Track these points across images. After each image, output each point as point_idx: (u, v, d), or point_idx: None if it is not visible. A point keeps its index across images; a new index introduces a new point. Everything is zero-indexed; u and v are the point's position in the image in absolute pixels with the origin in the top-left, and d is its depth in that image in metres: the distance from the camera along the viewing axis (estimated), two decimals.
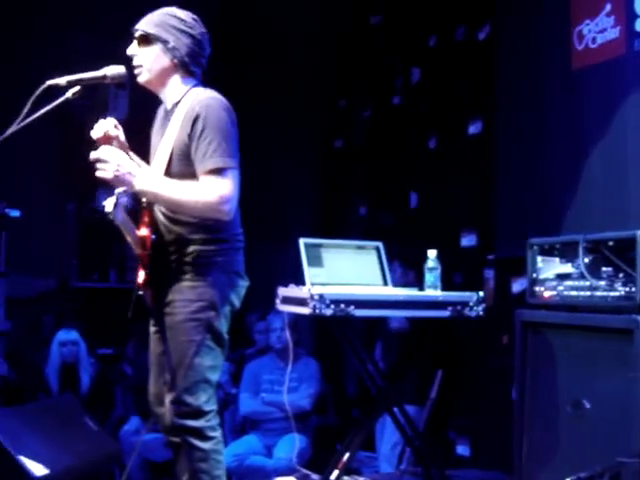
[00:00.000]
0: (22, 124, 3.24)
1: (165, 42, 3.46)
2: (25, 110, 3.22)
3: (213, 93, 3.47)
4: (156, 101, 3.64)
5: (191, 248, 3.42)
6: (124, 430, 6.28)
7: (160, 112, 3.65)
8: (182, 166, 3.40)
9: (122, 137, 3.54)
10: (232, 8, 8.18)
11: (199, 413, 3.39)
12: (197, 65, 3.54)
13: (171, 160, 3.43)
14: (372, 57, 7.58)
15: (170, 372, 3.41)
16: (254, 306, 6.69)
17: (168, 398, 3.42)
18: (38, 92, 3.25)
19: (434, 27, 6.79)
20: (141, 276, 3.41)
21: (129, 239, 3.44)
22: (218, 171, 3.32)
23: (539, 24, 5.65)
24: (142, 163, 3.59)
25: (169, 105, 3.54)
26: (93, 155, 3.32)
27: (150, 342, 3.63)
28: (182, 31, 3.48)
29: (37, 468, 4.43)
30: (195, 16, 3.55)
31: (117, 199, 3.25)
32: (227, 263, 3.47)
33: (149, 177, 3.37)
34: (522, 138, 5.77)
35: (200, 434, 3.40)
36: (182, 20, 3.49)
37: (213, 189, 3.31)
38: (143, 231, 3.43)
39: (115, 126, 3.50)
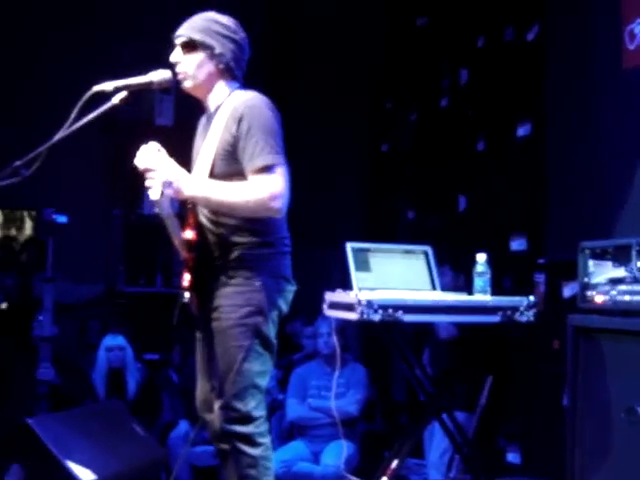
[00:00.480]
0: (69, 130, 3.24)
1: (211, 48, 3.45)
2: (72, 116, 3.22)
3: (256, 93, 3.46)
4: (202, 107, 3.62)
5: (237, 252, 3.40)
6: (172, 435, 6.27)
7: (202, 119, 3.64)
8: (226, 166, 3.39)
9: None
10: (278, 12, 8.19)
11: (248, 419, 3.37)
12: (240, 69, 3.54)
13: (215, 161, 3.42)
14: (418, 59, 7.53)
15: (219, 378, 3.40)
16: (300, 311, 6.66)
17: (217, 404, 3.40)
18: (85, 98, 3.24)
19: (482, 28, 6.73)
20: (186, 279, 3.40)
21: (175, 240, 3.43)
22: (267, 168, 3.31)
23: (589, 23, 5.57)
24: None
25: (212, 109, 3.53)
26: (141, 164, 3.31)
27: (196, 348, 3.61)
28: (226, 36, 3.47)
29: (85, 474, 4.44)
30: (236, 21, 3.54)
31: (163, 188, 3.24)
32: (274, 267, 3.44)
33: (198, 182, 3.35)
34: (573, 139, 5.69)
35: (249, 440, 3.37)
36: (225, 26, 3.49)
37: (264, 187, 3.29)
38: (188, 234, 3.42)
39: (158, 150, 3.44)
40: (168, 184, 3.26)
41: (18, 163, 3.20)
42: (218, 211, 3.41)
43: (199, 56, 3.46)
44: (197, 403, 3.61)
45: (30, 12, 8.39)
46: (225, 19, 3.52)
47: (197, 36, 3.45)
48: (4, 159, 3.29)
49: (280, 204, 3.31)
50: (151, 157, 3.32)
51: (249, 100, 3.41)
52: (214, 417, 3.44)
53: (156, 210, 3.35)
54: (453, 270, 5.68)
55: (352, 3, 7.93)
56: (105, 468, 4.58)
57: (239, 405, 3.36)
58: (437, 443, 5.69)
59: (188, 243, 3.40)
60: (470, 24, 6.84)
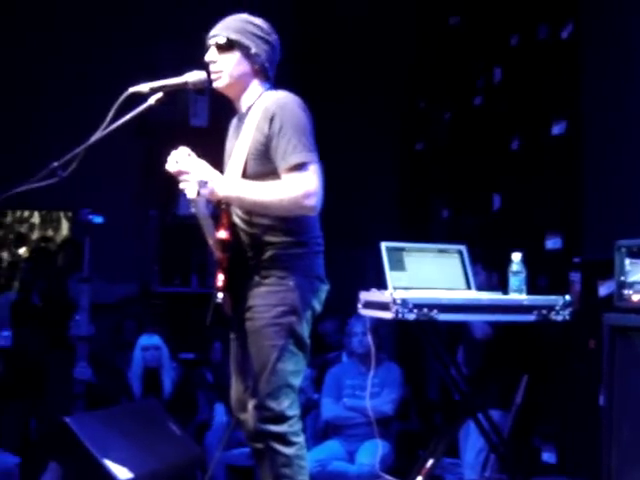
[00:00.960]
0: (106, 131, 3.27)
1: (247, 48, 3.46)
2: (109, 117, 3.25)
3: (287, 93, 3.47)
4: (236, 109, 3.63)
5: (270, 252, 3.41)
6: (208, 434, 6.30)
7: (233, 120, 3.65)
8: (258, 166, 3.40)
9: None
10: (309, 12, 8.20)
11: (282, 418, 3.37)
12: (272, 71, 3.55)
13: (247, 161, 3.43)
14: (452, 58, 7.51)
15: (253, 377, 3.40)
16: (332, 311, 6.67)
17: (251, 403, 3.41)
18: (121, 99, 3.27)
19: (516, 26, 6.69)
20: (220, 279, 3.41)
21: (210, 240, 3.44)
22: (301, 166, 3.31)
23: (625, 20, 5.53)
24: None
25: (244, 109, 3.54)
26: (174, 167, 3.33)
27: (231, 348, 3.63)
28: (260, 37, 3.49)
29: (121, 472, 4.47)
30: (267, 23, 3.55)
31: (200, 187, 3.26)
32: (308, 267, 3.44)
33: (231, 182, 3.37)
34: (609, 137, 5.65)
35: (283, 439, 3.37)
36: (259, 27, 3.51)
37: (297, 185, 3.29)
38: (222, 234, 3.42)
39: (188, 154, 3.46)
40: (204, 183, 3.28)
41: (55, 164, 3.23)
42: (252, 211, 3.42)
43: (235, 56, 3.48)
44: (232, 403, 3.62)
45: (67, 12, 8.47)
46: (259, 21, 3.54)
47: (233, 36, 3.47)
48: (42, 161, 3.32)
49: (314, 202, 3.31)
50: (183, 160, 3.34)
51: (280, 99, 3.42)
52: (248, 417, 3.45)
53: (192, 210, 3.37)
54: (486, 269, 5.66)
55: (384, 3, 7.93)
56: (141, 466, 4.62)
57: (273, 404, 3.36)
58: (473, 442, 5.67)
59: (222, 243, 3.40)
60: (503, 22, 6.81)
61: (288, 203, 3.30)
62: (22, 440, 6.55)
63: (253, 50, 3.47)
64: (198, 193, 3.27)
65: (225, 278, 3.40)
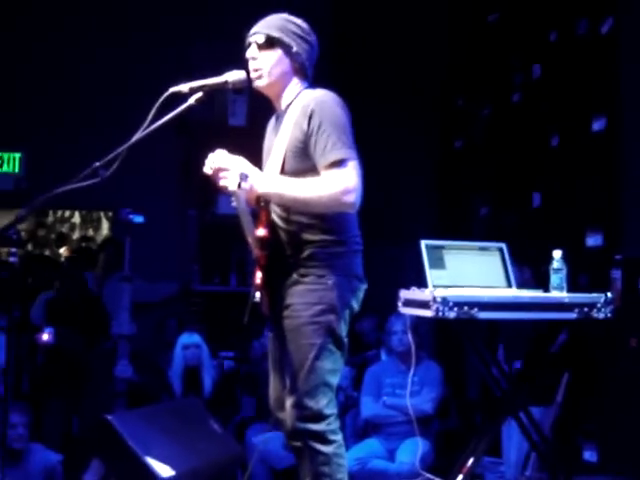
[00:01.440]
0: (146, 131, 3.29)
1: (289, 47, 3.48)
2: (149, 117, 3.27)
3: (325, 90, 3.48)
4: (274, 108, 3.64)
5: (309, 250, 3.41)
6: (249, 433, 6.31)
7: (271, 120, 3.66)
8: (297, 163, 3.41)
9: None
10: (348, 12, 8.20)
11: (320, 417, 3.37)
12: (310, 70, 3.57)
13: (286, 159, 3.44)
14: (490, 54, 7.48)
15: (291, 375, 3.41)
16: (370, 309, 6.66)
17: (289, 402, 3.41)
18: (161, 99, 3.29)
19: (554, 22, 6.65)
20: (258, 277, 3.42)
21: (248, 237, 3.45)
22: (340, 163, 3.31)
23: None
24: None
25: (282, 108, 3.55)
26: (213, 165, 3.35)
27: (268, 347, 3.64)
28: (301, 37, 3.50)
29: (163, 469, 4.50)
30: (306, 23, 3.57)
31: (241, 180, 3.26)
32: (346, 265, 3.44)
33: (271, 179, 3.38)
34: None
35: (322, 438, 3.38)
36: (300, 27, 3.52)
37: (337, 181, 3.29)
38: (260, 231, 3.42)
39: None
40: (245, 176, 3.29)
41: (97, 164, 3.26)
42: (291, 208, 3.42)
43: (276, 53, 3.49)
44: (270, 402, 3.63)
45: (109, 13, 8.56)
46: (299, 21, 3.55)
47: (275, 34, 3.48)
48: (86, 161, 3.35)
49: (353, 198, 3.30)
50: (221, 158, 3.35)
51: (319, 96, 3.43)
52: (286, 416, 3.46)
53: (234, 204, 3.36)
54: (517, 264, 5.61)
55: (421, 1, 7.92)
56: (183, 464, 4.64)
57: (311, 403, 3.36)
58: (517, 442, 5.64)
59: (260, 241, 3.41)
60: (542, 18, 6.77)
61: (327, 200, 3.31)
62: (64, 437, 6.62)
63: (294, 49, 3.48)
64: (239, 185, 3.28)
65: (263, 276, 3.41)
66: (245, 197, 3.37)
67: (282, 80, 3.52)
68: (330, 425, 3.39)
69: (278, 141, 3.48)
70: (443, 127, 8.16)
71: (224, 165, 3.34)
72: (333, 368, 3.42)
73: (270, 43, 3.48)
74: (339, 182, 3.29)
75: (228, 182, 3.30)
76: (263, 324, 3.62)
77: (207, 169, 3.39)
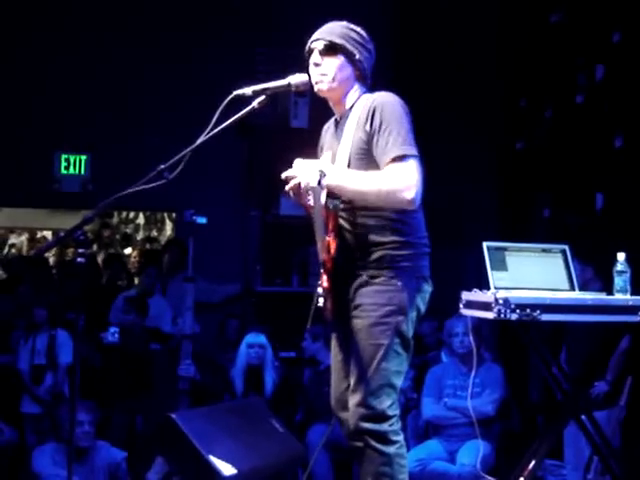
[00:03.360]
0: (210, 134, 3.34)
1: (351, 54, 3.51)
2: (213, 120, 3.32)
3: (385, 92, 3.51)
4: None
5: (378, 252, 3.43)
6: (310, 432, 6.33)
7: (329, 126, 3.69)
8: (361, 166, 3.42)
9: None
10: (410, 16, 8.21)
11: (383, 417, 3.38)
12: (370, 77, 3.60)
13: (350, 161, 3.46)
14: (553, 55, 7.42)
15: (356, 375, 3.42)
16: (430, 310, 6.65)
17: (352, 401, 3.43)
18: (225, 102, 3.34)
19: (618, 23, 6.58)
20: (324, 281, 3.45)
21: (318, 238, 3.47)
22: (400, 158, 3.33)
23: None
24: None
25: (341, 113, 3.58)
26: (293, 172, 3.39)
27: (332, 348, 3.66)
28: (362, 45, 3.54)
29: (226, 468, 4.54)
30: (365, 31, 3.60)
31: (320, 178, 3.30)
32: (415, 268, 3.46)
33: (333, 170, 3.41)
34: None
35: (383, 438, 3.38)
36: (360, 34, 3.56)
37: (398, 176, 3.31)
38: (328, 237, 3.46)
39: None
40: (323, 174, 3.32)
41: (162, 166, 3.32)
42: (357, 212, 3.44)
43: (339, 60, 3.52)
44: (332, 402, 3.65)
45: (174, 16, 8.67)
46: (359, 29, 3.59)
47: (338, 40, 3.51)
48: (150, 163, 3.41)
49: (413, 194, 3.30)
50: (300, 164, 3.39)
51: (380, 97, 3.46)
52: (348, 416, 3.47)
53: (309, 201, 3.39)
54: (580, 262, 5.55)
55: (482, 2, 7.90)
56: (245, 463, 4.68)
57: (374, 403, 3.37)
58: (578, 444, 5.58)
59: (328, 246, 3.45)
60: (606, 19, 6.70)
61: (387, 194, 3.32)
62: (129, 435, 6.72)
63: (357, 56, 3.51)
64: (319, 182, 3.31)
65: (328, 280, 3.45)
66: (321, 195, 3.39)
67: (344, 86, 3.54)
68: (392, 426, 3.40)
69: (342, 145, 3.51)
70: (506, 128, 8.12)
71: (300, 167, 3.38)
72: (398, 370, 3.43)
73: (333, 49, 3.51)
74: (399, 177, 3.31)
75: (309, 178, 3.33)
76: (325, 325, 3.65)
77: (286, 174, 3.42)
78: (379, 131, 3.38)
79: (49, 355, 6.77)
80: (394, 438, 3.40)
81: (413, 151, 3.36)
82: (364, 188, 3.35)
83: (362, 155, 3.44)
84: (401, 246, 3.43)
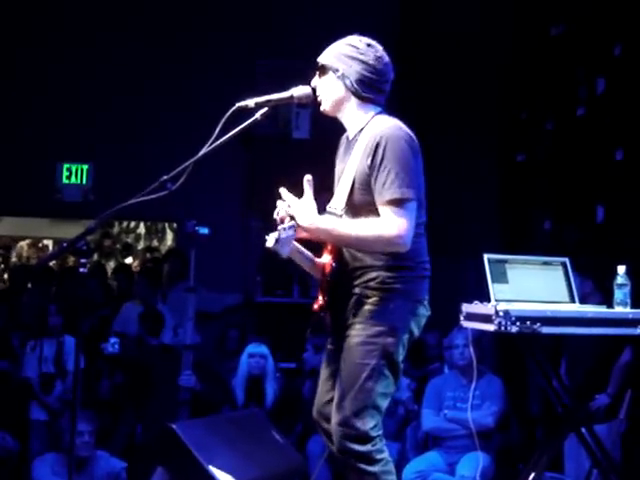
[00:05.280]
0: (213, 146, 3.36)
1: (335, 70, 3.47)
2: (216, 132, 3.33)
3: (396, 122, 3.44)
4: (337, 121, 3.66)
5: (374, 274, 3.40)
6: (310, 443, 6.33)
7: (343, 139, 3.65)
8: (364, 196, 3.40)
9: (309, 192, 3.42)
10: (411, 27, 8.23)
11: (365, 438, 3.34)
12: (373, 91, 3.49)
13: (353, 189, 3.43)
14: (553, 68, 7.45)
15: (340, 392, 3.40)
16: (433, 323, 6.65)
17: (335, 418, 3.40)
18: (228, 114, 3.35)
19: (619, 35, 6.60)
20: (320, 300, 3.46)
21: (305, 267, 3.49)
22: (395, 202, 3.29)
23: None
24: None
25: (352, 133, 3.54)
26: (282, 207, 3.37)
27: (324, 358, 3.65)
28: (353, 58, 3.46)
29: (226, 478, 4.54)
30: (371, 42, 3.52)
31: (279, 236, 3.25)
32: (411, 290, 3.43)
33: (318, 219, 3.34)
34: None
35: (367, 458, 3.35)
36: (354, 47, 3.48)
37: (390, 223, 3.29)
38: (325, 258, 3.48)
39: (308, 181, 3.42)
40: (285, 230, 3.26)
41: (165, 177, 3.33)
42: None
43: (329, 78, 3.49)
44: (314, 412, 3.62)
45: (173, 29, 8.71)
46: (357, 40, 3.50)
47: (327, 60, 3.50)
48: (151, 173, 3.43)
49: (404, 240, 3.28)
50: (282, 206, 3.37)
51: (386, 130, 3.39)
52: (329, 427, 3.46)
53: (275, 251, 3.31)
54: (580, 275, 5.56)
55: (482, 15, 7.92)
56: (245, 473, 4.67)
57: (358, 424, 3.33)
58: (578, 457, 5.58)
59: (323, 267, 3.46)
60: (607, 32, 6.73)
61: (376, 240, 3.29)
62: (128, 445, 6.71)
63: (340, 72, 3.45)
64: (276, 241, 3.24)
65: (323, 300, 3.45)
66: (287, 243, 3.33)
67: (338, 104, 3.51)
68: (376, 445, 3.36)
69: (347, 170, 3.48)
70: (506, 141, 8.13)
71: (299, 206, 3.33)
72: (384, 392, 3.40)
73: (323, 69, 3.50)
74: (392, 225, 3.28)
75: (268, 239, 3.27)
76: (325, 335, 3.66)
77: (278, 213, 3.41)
78: (379, 168, 3.33)
79: (58, 362, 6.77)
80: (378, 457, 3.36)
81: (409, 194, 3.30)
82: (356, 234, 3.30)
83: (364, 185, 3.39)
84: (395, 269, 3.39)
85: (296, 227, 3.29)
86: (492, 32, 7.99)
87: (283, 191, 3.38)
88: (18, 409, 6.79)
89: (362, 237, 3.32)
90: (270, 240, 3.26)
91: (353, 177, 3.42)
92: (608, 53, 6.69)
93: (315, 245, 3.52)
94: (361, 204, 3.40)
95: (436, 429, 6.17)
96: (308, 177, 3.39)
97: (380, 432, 3.39)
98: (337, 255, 3.46)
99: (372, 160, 3.35)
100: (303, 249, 3.55)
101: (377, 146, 3.34)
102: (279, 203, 3.40)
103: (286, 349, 7.50)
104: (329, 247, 3.48)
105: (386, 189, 3.31)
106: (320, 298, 3.46)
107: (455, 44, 7.98)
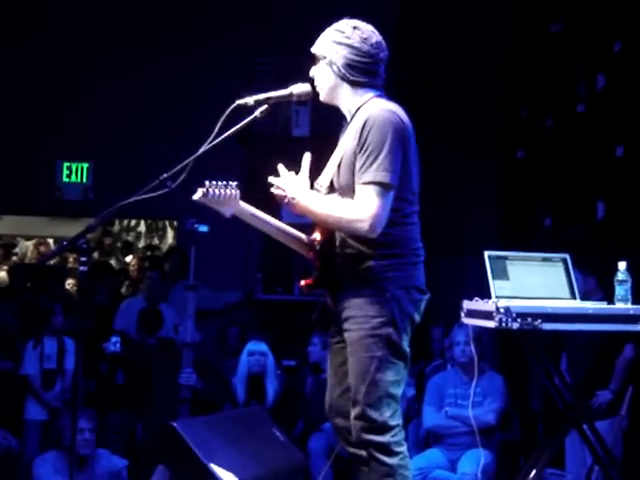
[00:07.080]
0: (213, 143, 3.36)
1: (324, 58, 3.48)
2: (216, 130, 3.33)
3: (388, 105, 3.43)
4: (337, 118, 3.66)
5: (366, 263, 3.41)
6: (311, 441, 6.32)
7: (344, 123, 3.65)
8: (349, 178, 3.41)
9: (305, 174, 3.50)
10: (410, 24, 8.22)
11: (385, 428, 3.38)
12: (362, 74, 3.47)
13: (340, 170, 3.46)
14: (553, 64, 7.44)
15: (354, 387, 3.41)
16: (436, 319, 6.65)
17: (353, 413, 3.42)
18: (227, 112, 3.35)
19: (619, 32, 6.60)
20: (313, 277, 3.51)
21: (293, 246, 3.56)
22: (370, 185, 3.31)
23: None
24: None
25: (349, 116, 3.54)
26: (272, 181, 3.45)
27: (329, 352, 3.66)
28: (339, 43, 3.45)
29: (228, 476, 4.54)
30: (358, 24, 3.49)
31: (207, 190, 3.34)
32: (405, 278, 3.43)
33: (304, 193, 3.42)
34: None
35: (386, 449, 3.37)
36: (341, 32, 3.47)
37: (358, 206, 3.31)
38: (316, 235, 3.51)
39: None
40: (223, 186, 3.40)
41: (165, 176, 3.33)
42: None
43: (321, 66, 3.51)
44: (326, 407, 3.64)
45: (173, 26, 8.70)
46: (343, 25, 3.49)
47: (316, 48, 3.51)
48: (151, 171, 3.43)
49: (369, 225, 3.29)
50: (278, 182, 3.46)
51: (376, 112, 3.38)
52: (343, 423, 3.49)
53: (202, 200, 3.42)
54: (582, 272, 5.55)
55: (483, 11, 7.91)
56: (246, 471, 4.67)
57: (375, 415, 3.36)
58: (579, 454, 5.58)
59: (311, 243, 3.51)
60: (607, 28, 6.72)
61: (346, 222, 3.34)
62: (129, 443, 6.71)
63: (328, 58, 3.46)
64: (204, 194, 3.34)
65: (316, 276, 3.50)
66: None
67: (332, 91, 3.51)
68: (395, 437, 3.39)
69: (337, 151, 3.50)
70: (506, 137, 8.13)
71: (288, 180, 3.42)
72: (396, 379, 3.42)
73: (316, 58, 3.52)
74: (360, 207, 3.30)
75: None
76: (327, 329, 3.66)
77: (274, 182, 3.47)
78: (362, 149, 3.34)
79: (59, 360, 6.76)
80: (397, 449, 3.39)
81: (386, 178, 3.30)
82: (326, 212, 3.36)
83: (350, 167, 3.40)
84: (385, 257, 3.39)
85: (234, 187, 3.44)
86: (492, 29, 7.98)
87: (280, 167, 3.46)
88: (17, 407, 6.78)
89: (329, 215, 3.36)
90: (197, 194, 3.33)
91: (341, 157, 3.45)
92: (608, 49, 6.69)
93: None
94: (348, 184, 3.41)
95: (437, 426, 6.17)
96: (307, 154, 3.44)
97: (399, 421, 3.42)
98: (326, 235, 3.48)
99: (358, 141, 3.36)
100: (288, 227, 3.60)
101: (363, 127, 3.35)
102: (271, 178, 3.47)
103: (287, 347, 7.49)
104: (320, 226, 3.50)
105: (363, 171, 3.32)
106: (314, 275, 3.50)
107: (454, 41, 7.97)
